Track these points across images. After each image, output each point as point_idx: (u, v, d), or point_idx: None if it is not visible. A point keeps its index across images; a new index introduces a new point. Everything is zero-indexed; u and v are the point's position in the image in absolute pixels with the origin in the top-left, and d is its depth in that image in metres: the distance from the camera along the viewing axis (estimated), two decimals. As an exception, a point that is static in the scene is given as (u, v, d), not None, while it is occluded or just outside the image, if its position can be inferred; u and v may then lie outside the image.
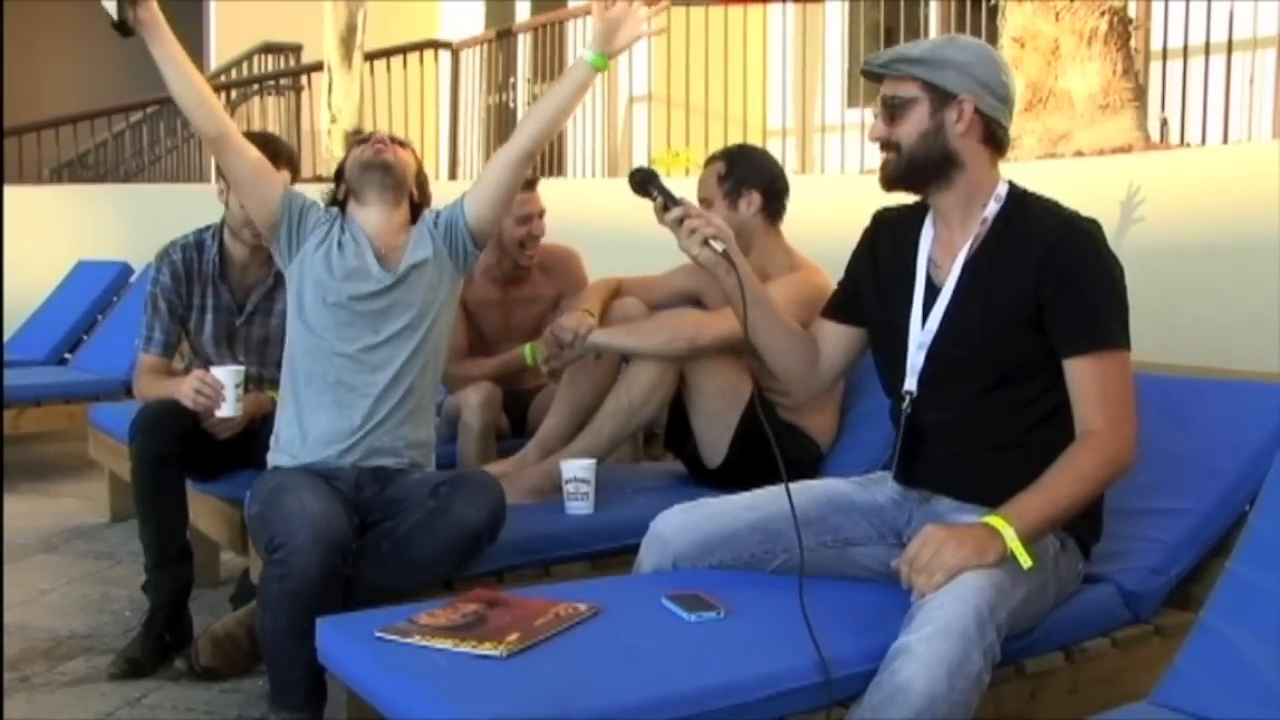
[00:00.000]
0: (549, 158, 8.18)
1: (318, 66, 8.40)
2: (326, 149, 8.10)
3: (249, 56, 9.87)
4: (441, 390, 3.25)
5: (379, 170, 2.64)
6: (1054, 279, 1.98)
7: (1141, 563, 2.20)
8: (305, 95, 9.20)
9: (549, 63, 8.51)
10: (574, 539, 2.67)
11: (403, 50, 8.82)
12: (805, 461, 2.87)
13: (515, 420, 3.53)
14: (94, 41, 7.07)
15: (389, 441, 2.57)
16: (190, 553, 2.96)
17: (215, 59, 10.27)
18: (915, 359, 2.11)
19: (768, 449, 2.04)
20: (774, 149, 7.12)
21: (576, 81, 2.64)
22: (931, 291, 2.12)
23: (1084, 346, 1.98)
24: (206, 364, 3.03)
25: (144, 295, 3.18)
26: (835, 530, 2.17)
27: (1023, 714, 2.01)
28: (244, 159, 2.60)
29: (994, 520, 1.89)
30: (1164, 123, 5.17)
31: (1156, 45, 5.26)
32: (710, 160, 3.02)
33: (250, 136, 2.70)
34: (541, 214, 3.48)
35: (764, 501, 2.20)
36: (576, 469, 2.76)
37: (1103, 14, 4.73)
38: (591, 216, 5.20)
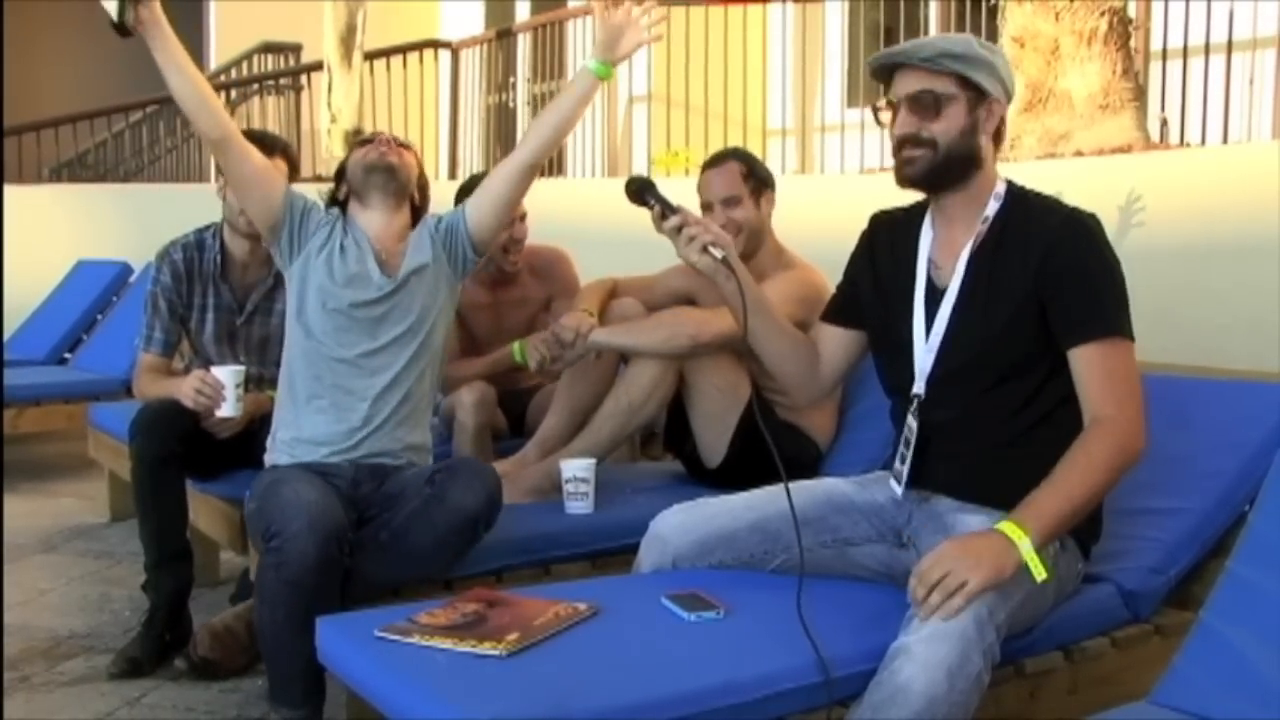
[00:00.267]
0: (549, 158, 8.16)
1: (318, 66, 8.39)
2: (326, 149, 8.09)
3: (249, 56, 9.87)
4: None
5: (383, 173, 2.63)
6: (1056, 274, 1.98)
7: (1141, 562, 2.20)
8: (305, 95, 9.19)
9: (549, 62, 8.52)
10: (574, 538, 2.67)
11: (403, 50, 8.82)
12: (804, 461, 2.87)
13: (514, 420, 3.53)
14: (94, 41, 7.06)
15: (386, 444, 2.58)
16: (190, 552, 2.96)
17: (215, 59, 10.28)
18: (924, 361, 2.09)
19: (767, 449, 2.04)
20: (774, 149, 7.22)
21: (580, 92, 2.64)
22: (933, 293, 2.11)
23: (1088, 334, 1.97)
24: (207, 364, 3.04)
25: (144, 295, 3.18)
26: (835, 530, 2.17)
27: (1022, 714, 2.01)
28: (246, 161, 2.59)
29: (1010, 529, 1.86)
30: (1164, 123, 5.17)
31: (1156, 45, 5.27)
32: (721, 160, 2.99)
33: (245, 135, 2.68)
34: (523, 217, 3.47)
35: (763, 501, 2.20)
36: (576, 469, 2.77)
37: (1102, 14, 4.73)
38: (591, 217, 5.20)
